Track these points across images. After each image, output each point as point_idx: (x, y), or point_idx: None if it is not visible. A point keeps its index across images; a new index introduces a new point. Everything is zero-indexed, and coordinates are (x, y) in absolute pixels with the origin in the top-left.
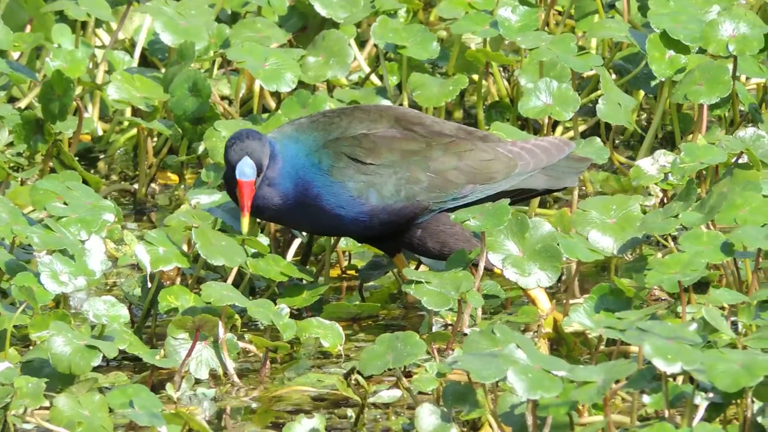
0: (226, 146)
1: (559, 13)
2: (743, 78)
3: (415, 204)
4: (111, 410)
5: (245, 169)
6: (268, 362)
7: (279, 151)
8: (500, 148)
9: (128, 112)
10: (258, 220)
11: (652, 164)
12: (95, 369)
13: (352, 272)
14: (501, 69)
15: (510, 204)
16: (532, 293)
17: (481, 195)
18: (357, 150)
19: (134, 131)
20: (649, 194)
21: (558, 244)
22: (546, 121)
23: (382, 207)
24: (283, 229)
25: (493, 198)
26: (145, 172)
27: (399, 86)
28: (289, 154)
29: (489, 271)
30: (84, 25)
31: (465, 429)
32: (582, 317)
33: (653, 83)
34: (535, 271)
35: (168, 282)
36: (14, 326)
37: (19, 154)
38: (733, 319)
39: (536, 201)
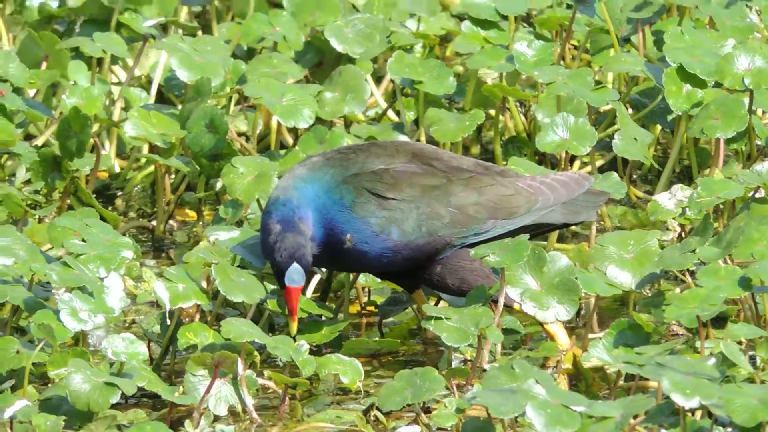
0: (273, 246)
1: (575, 47)
2: (759, 112)
3: (437, 239)
4: None
5: (294, 276)
6: (287, 398)
7: (300, 202)
8: (520, 182)
9: (145, 149)
10: None
11: (669, 199)
12: (114, 406)
13: (372, 308)
14: (518, 104)
15: (529, 239)
16: (550, 329)
17: (502, 230)
18: (378, 185)
19: (152, 168)
20: (667, 229)
21: (576, 278)
22: (563, 155)
23: (404, 243)
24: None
25: (514, 233)
26: (163, 208)
27: (416, 121)
28: (308, 197)
29: (508, 308)
30: (100, 61)
31: None
32: (601, 352)
33: (670, 117)
34: (553, 305)
35: (187, 319)
36: (33, 364)
37: (36, 192)
38: (751, 353)
39: (554, 236)
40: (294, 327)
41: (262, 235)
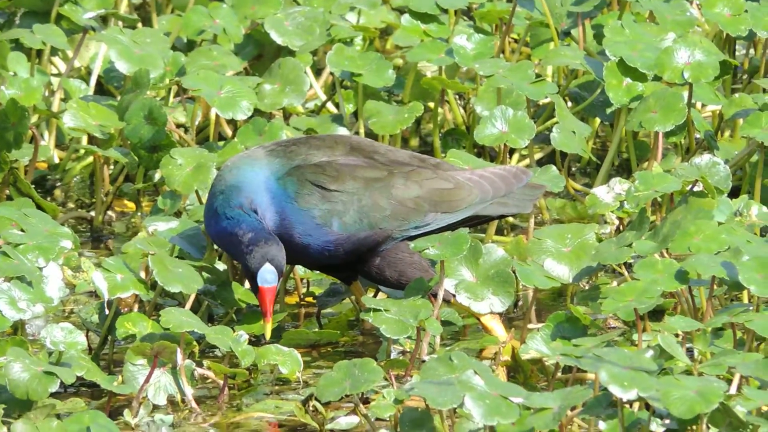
0: (245, 253)
1: (515, 41)
2: (699, 105)
3: (378, 232)
4: None
5: (267, 276)
6: (226, 389)
7: (254, 188)
8: (460, 176)
9: (84, 140)
10: (215, 246)
11: (607, 192)
12: (53, 395)
13: (310, 299)
14: (457, 96)
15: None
16: (487, 323)
17: (442, 223)
18: (321, 177)
19: (90, 159)
20: (605, 222)
21: (511, 270)
22: (502, 148)
23: (346, 236)
24: None
25: (453, 226)
26: (102, 199)
27: (355, 114)
28: (261, 184)
29: (446, 302)
30: (40, 53)
31: None
32: (539, 344)
33: (609, 111)
34: (488, 297)
35: (125, 309)
36: None
37: None
38: (688, 346)
39: (492, 228)
40: (269, 329)
41: (229, 238)
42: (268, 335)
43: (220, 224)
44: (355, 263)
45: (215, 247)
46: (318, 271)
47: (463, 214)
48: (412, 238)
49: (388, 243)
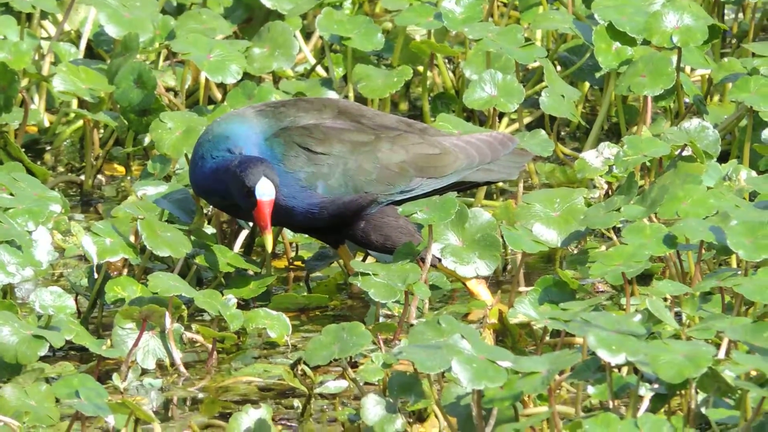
0: (242, 168)
1: (504, 4)
2: (688, 69)
3: (363, 196)
4: (57, 400)
5: (265, 189)
6: (215, 352)
7: (245, 139)
8: (446, 142)
9: (74, 103)
10: (204, 211)
11: (596, 156)
12: (42, 359)
13: (299, 263)
14: (446, 60)
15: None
16: (473, 287)
17: (427, 188)
18: (308, 140)
19: (80, 123)
20: (594, 186)
21: (498, 234)
22: (491, 112)
23: (331, 199)
24: (230, 220)
25: (438, 191)
26: (92, 163)
27: (345, 78)
28: (251, 139)
29: (432, 266)
30: (29, 16)
31: (411, 419)
32: (527, 308)
33: (598, 75)
34: (474, 260)
35: (115, 273)
36: None
37: None
38: (676, 310)
39: (482, 193)
40: (270, 241)
41: (216, 175)
42: (270, 247)
43: (206, 166)
44: (340, 227)
45: (204, 210)
46: (304, 234)
47: (449, 179)
48: (397, 203)
49: (373, 207)
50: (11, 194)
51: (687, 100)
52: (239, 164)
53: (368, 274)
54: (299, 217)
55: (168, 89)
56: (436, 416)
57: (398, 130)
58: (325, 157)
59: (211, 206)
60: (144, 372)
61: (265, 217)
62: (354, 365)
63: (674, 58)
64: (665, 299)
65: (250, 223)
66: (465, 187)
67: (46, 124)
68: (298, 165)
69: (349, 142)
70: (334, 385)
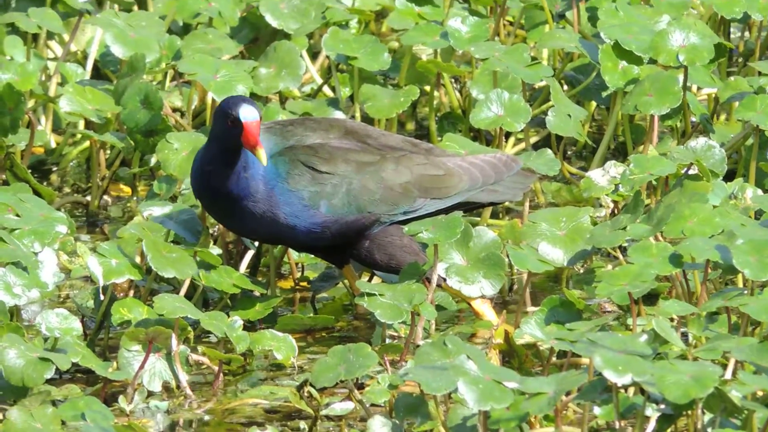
0: (222, 105)
1: (510, 23)
2: (694, 88)
3: (367, 216)
4: (64, 423)
5: (247, 113)
6: (221, 374)
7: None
8: (450, 163)
9: (81, 124)
10: (210, 231)
11: (602, 175)
12: (48, 381)
13: (305, 284)
14: (452, 80)
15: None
16: (478, 307)
17: (431, 209)
18: (313, 159)
19: (87, 144)
20: (601, 205)
21: (503, 253)
22: (498, 131)
23: (334, 218)
24: (236, 240)
25: (443, 212)
26: (98, 184)
27: (351, 98)
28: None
29: (438, 287)
30: (36, 37)
31: None
32: (533, 329)
33: (605, 94)
34: (479, 280)
35: (121, 294)
36: None
37: None
38: (683, 330)
39: (488, 212)
40: (263, 155)
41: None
42: (264, 161)
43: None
44: (344, 246)
45: (210, 231)
46: (309, 254)
47: (452, 200)
48: (401, 223)
49: (376, 227)
50: (17, 215)
51: (693, 119)
52: (219, 107)
53: (374, 295)
54: (301, 236)
55: (174, 110)
56: None
57: (403, 151)
58: (329, 177)
59: (217, 226)
60: (150, 394)
61: (254, 136)
62: (360, 387)
63: (681, 77)
64: (671, 319)
65: (256, 243)
66: (469, 208)
67: (53, 144)
68: (302, 184)
69: (354, 162)
70: (340, 406)
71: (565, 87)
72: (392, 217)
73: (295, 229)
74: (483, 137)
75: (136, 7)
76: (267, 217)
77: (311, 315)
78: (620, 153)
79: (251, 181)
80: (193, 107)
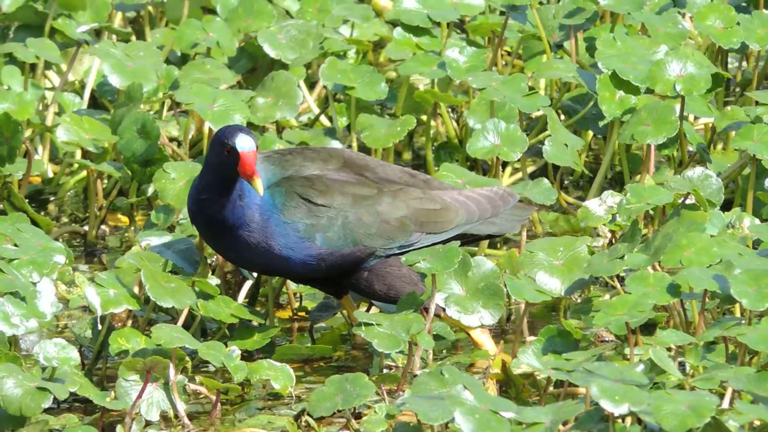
0: (218, 134)
1: (508, 53)
2: (691, 118)
3: (362, 249)
4: None
5: (244, 143)
6: (218, 404)
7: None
8: (447, 197)
9: (78, 154)
10: (209, 261)
11: (599, 205)
12: (46, 411)
13: (303, 314)
14: (449, 110)
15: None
16: (476, 337)
17: (427, 243)
18: (310, 191)
19: (84, 173)
20: (598, 235)
21: (501, 282)
22: (494, 161)
23: (329, 251)
24: (234, 270)
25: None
26: (95, 214)
27: (348, 127)
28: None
29: (436, 316)
30: (33, 67)
31: None
32: (530, 358)
33: (602, 123)
34: (478, 310)
35: (119, 324)
36: None
37: None
38: (680, 359)
39: (486, 242)
40: (260, 185)
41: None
42: (260, 191)
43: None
44: (340, 278)
45: (208, 261)
46: (306, 284)
47: (449, 234)
48: (397, 255)
49: (371, 260)
50: (15, 245)
51: (690, 148)
52: (216, 137)
53: (372, 325)
54: (296, 267)
55: (171, 139)
56: None
57: (400, 184)
58: (325, 209)
59: (215, 256)
60: (148, 424)
61: (251, 166)
62: (358, 416)
63: (677, 107)
64: (669, 349)
65: (254, 274)
66: (467, 241)
67: (50, 174)
68: (298, 216)
69: (351, 195)
70: None
71: (562, 116)
72: (388, 251)
73: (289, 261)
74: (480, 167)
75: (134, 38)
76: (262, 247)
77: (309, 345)
78: (617, 182)
79: (246, 209)
80: (190, 137)
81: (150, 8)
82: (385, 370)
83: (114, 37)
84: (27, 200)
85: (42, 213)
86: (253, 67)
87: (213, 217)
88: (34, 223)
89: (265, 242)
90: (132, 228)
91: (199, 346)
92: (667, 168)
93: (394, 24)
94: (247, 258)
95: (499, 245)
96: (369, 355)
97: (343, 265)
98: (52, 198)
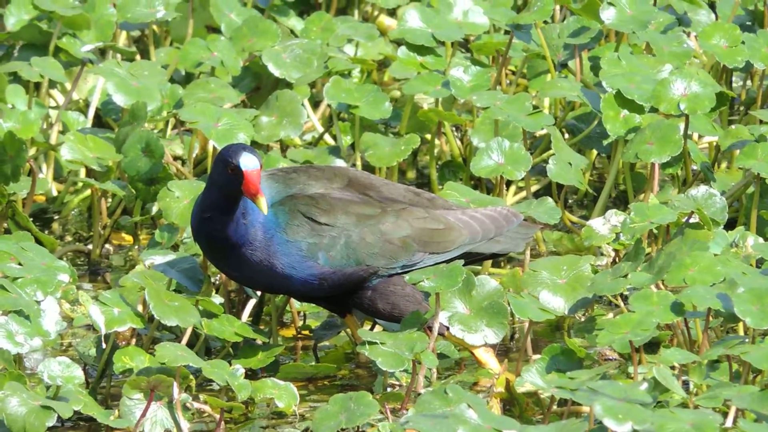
0: (222, 152)
1: (512, 72)
2: (695, 136)
3: (365, 269)
4: None
5: (248, 161)
6: (222, 423)
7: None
8: (451, 216)
9: (82, 172)
10: (212, 280)
11: (603, 224)
12: (50, 429)
13: (307, 332)
14: (453, 128)
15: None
16: (480, 356)
17: (430, 262)
18: (313, 210)
19: (88, 192)
20: (602, 254)
21: (505, 301)
22: (499, 180)
23: (332, 270)
24: (238, 288)
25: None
26: (99, 232)
27: (353, 146)
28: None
29: (440, 335)
30: (38, 85)
31: None
32: (534, 377)
33: (606, 142)
34: (482, 328)
35: (123, 342)
36: None
37: None
38: (684, 378)
39: (489, 260)
40: (264, 204)
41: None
42: (265, 210)
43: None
44: (343, 296)
45: (212, 279)
46: (311, 303)
47: (452, 254)
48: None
49: (373, 280)
50: (19, 264)
51: (694, 167)
52: (219, 156)
53: (376, 343)
54: (298, 286)
55: (176, 158)
56: None
57: (404, 203)
58: (328, 228)
59: (219, 275)
60: None
61: (255, 185)
62: None
63: (682, 126)
64: (673, 367)
65: (258, 292)
66: (471, 260)
67: (54, 193)
68: (301, 235)
69: (354, 214)
70: None
71: (566, 135)
72: (390, 270)
73: (291, 280)
74: (484, 185)
75: (138, 57)
76: (264, 265)
77: (313, 363)
78: (621, 201)
79: (250, 228)
80: (194, 155)
81: (155, 27)
82: (388, 389)
83: (118, 56)
84: (31, 219)
85: (46, 232)
86: (258, 86)
87: (216, 235)
88: (38, 241)
89: (267, 260)
90: (136, 247)
91: (203, 364)
92: (671, 187)
93: (398, 43)
94: (250, 276)
95: (502, 264)
96: (373, 373)
97: (345, 284)
98: (56, 217)
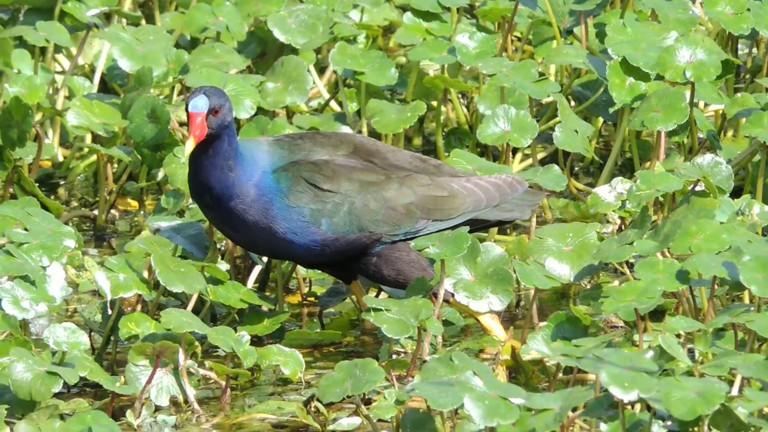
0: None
1: (518, 39)
2: (701, 104)
3: (368, 235)
4: None
5: (198, 103)
6: (228, 389)
7: (248, 152)
8: (455, 184)
9: (88, 138)
10: (218, 246)
11: (609, 191)
12: (56, 396)
13: (312, 299)
14: (460, 95)
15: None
16: (485, 323)
17: (433, 229)
18: (317, 176)
19: (94, 157)
20: (608, 221)
21: (510, 268)
22: (505, 147)
23: (334, 237)
24: (244, 255)
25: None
26: (105, 198)
27: (358, 112)
28: (258, 161)
29: (445, 301)
30: (43, 50)
31: None
32: (540, 345)
33: (612, 110)
34: (486, 295)
35: (128, 308)
36: None
37: None
38: (689, 346)
39: (495, 227)
40: (189, 147)
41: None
42: (187, 153)
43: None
44: (347, 262)
45: (218, 246)
46: (317, 269)
47: (455, 221)
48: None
49: (376, 246)
50: (25, 229)
51: (700, 135)
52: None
53: (381, 310)
54: (300, 251)
55: (181, 124)
56: None
57: (409, 170)
58: (331, 195)
59: (224, 241)
60: (158, 409)
61: (191, 125)
62: (367, 402)
63: (687, 93)
64: (678, 335)
65: (264, 259)
66: (477, 227)
67: (60, 158)
68: (303, 201)
69: (358, 181)
70: (347, 422)
71: (573, 103)
72: (393, 237)
73: (293, 245)
74: (490, 153)
75: (143, 22)
76: (261, 227)
77: (318, 330)
78: (627, 169)
79: (237, 181)
80: None
81: None
82: (394, 356)
83: (124, 20)
84: (37, 184)
85: (52, 197)
86: (263, 52)
87: (202, 182)
88: (44, 207)
89: (265, 224)
90: (142, 212)
91: (209, 331)
92: (677, 155)
93: (404, 9)
94: (249, 239)
95: (508, 231)
96: (378, 340)
97: (348, 250)
98: (62, 182)
